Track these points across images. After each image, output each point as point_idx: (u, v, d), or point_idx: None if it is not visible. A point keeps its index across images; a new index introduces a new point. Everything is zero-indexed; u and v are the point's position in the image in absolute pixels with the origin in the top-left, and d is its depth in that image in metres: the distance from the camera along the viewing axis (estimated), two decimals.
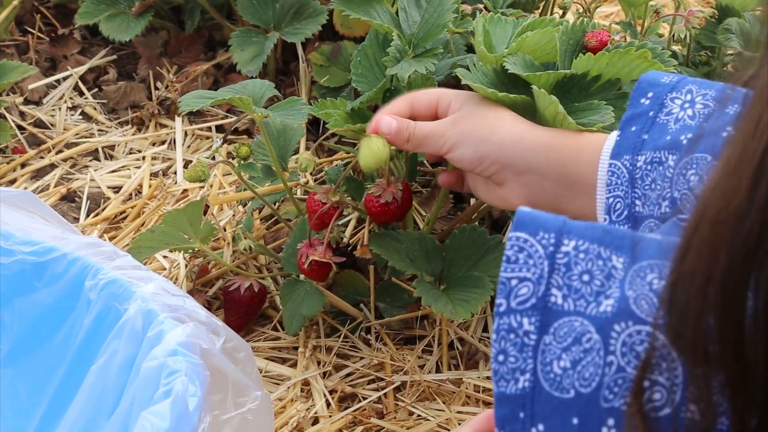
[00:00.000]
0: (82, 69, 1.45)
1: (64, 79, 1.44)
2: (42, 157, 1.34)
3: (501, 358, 0.57)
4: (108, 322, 0.91)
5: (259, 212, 1.20)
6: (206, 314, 0.89)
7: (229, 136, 1.36)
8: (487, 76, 0.97)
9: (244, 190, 1.15)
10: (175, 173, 1.31)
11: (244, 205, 1.21)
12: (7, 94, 1.40)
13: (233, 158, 1.14)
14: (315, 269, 1.03)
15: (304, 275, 1.04)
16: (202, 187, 1.27)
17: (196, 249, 1.09)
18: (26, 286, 0.95)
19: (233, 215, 1.20)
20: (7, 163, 1.32)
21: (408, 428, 0.99)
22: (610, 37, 0.99)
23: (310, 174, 1.24)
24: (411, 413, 1.01)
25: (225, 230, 1.17)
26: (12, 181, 1.31)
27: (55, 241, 0.95)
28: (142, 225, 1.23)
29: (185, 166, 1.31)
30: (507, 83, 0.97)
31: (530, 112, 0.93)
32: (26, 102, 1.41)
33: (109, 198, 1.28)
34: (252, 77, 1.29)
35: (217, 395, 0.85)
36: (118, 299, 0.90)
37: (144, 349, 0.86)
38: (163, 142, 1.36)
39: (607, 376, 0.54)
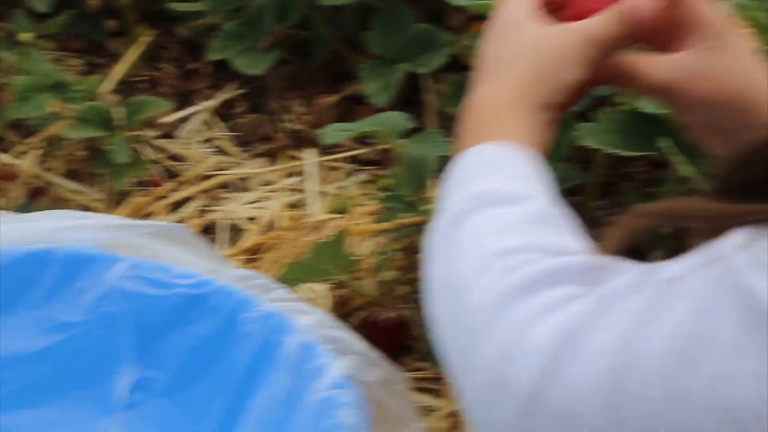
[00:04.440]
0: (212, 103, 1.48)
1: (196, 112, 1.47)
2: (178, 190, 1.37)
3: None
4: (266, 354, 0.92)
5: (398, 243, 1.21)
6: (363, 346, 0.90)
7: (360, 167, 1.37)
8: None
9: (383, 221, 1.16)
10: (309, 204, 1.32)
11: (383, 235, 1.22)
12: (141, 129, 1.43)
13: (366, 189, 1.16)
14: None
15: None
16: (337, 218, 1.28)
17: (340, 280, 1.10)
18: (184, 319, 0.97)
19: (373, 246, 1.21)
20: (145, 197, 1.35)
21: None
22: None
23: None
24: None
25: (366, 261, 1.18)
26: (149, 214, 1.34)
27: (211, 274, 0.97)
28: (281, 256, 1.25)
29: (319, 198, 1.33)
30: None
31: None
32: (160, 136, 1.44)
33: (245, 230, 1.30)
34: (382, 109, 1.30)
35: (378, 427, 0.86)
36: (275, 332, 0.92)
37: (305, 382, 0.87)
38: (295, 174, 1.38)
39: None
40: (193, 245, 0.99)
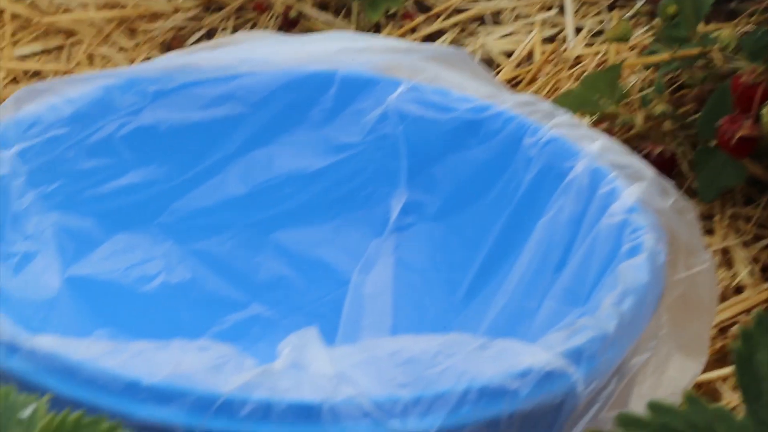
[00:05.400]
0: None
1: None
2: (430, 23, 1.36)
3: None
4: (549, 179, 0.91)
5: (669, 76, 1.18)
6: (653, 174, 0.88)
7: (619, 2, 1.33)
8: None
9: (653, 53, 1.13)
10: (565, 39, 1.30)
11: (647, 69, 1.19)
12: None
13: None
14: (740, 145, 1.00)
15: (728, 152, 1.02)
16: (598, 53, 1.25)
17: (604, 114, 1.08)
18: (461, 143, 0.97)
19: (640, 80, 1.18)
20: (399, 28, 1.35)
21: None
22: None
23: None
24: None
25: (633, 95, 1.15)
26: None
27: (490, 98, 0.96)
28: (538, 90, 1.23)
29: (576, 33, 1.30)
30: None
31: None
32: None
33: (500, 63, 1.29)
34: None
35: (669, 255, 0.84)
36: (560, 157, 0.90)
37: (594, 207, 0.86)
38: (549, 8, 1.35)
39: None
40: (472, 70, 0.98)
